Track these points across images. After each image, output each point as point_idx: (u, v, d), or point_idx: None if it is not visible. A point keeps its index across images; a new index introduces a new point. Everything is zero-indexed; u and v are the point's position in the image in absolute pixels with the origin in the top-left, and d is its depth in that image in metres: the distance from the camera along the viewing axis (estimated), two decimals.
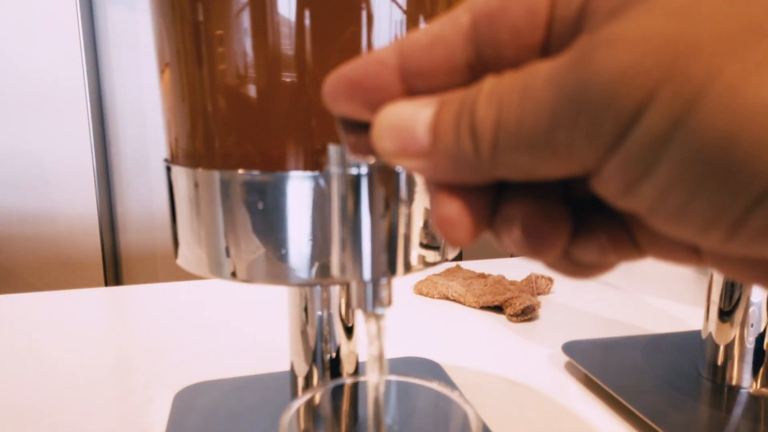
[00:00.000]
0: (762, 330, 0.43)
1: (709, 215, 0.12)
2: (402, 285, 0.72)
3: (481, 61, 0.15)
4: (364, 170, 0.19)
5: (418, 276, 0.73)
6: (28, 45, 1.43)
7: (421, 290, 0.70)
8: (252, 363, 0.51)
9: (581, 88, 0.12)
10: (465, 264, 0.79)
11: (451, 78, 0.15)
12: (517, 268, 0.77)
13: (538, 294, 0.69)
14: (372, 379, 0.22)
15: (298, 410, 0.23)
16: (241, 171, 0.29)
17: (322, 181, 0.27)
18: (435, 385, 0.23)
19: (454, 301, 0.68)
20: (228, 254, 0.31)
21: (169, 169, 0.32)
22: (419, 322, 0.62)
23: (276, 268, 0.30)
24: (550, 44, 0.14)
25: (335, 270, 0.20)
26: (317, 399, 0.24)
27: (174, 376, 0.49)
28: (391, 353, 0.49)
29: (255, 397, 0.42)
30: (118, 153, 1.66)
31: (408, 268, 0.20)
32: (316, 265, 0.30)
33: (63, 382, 0.48)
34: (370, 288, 0.20)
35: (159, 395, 0.45)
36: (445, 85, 0.15)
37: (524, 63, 0.14)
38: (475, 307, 0.65)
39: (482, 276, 0.71)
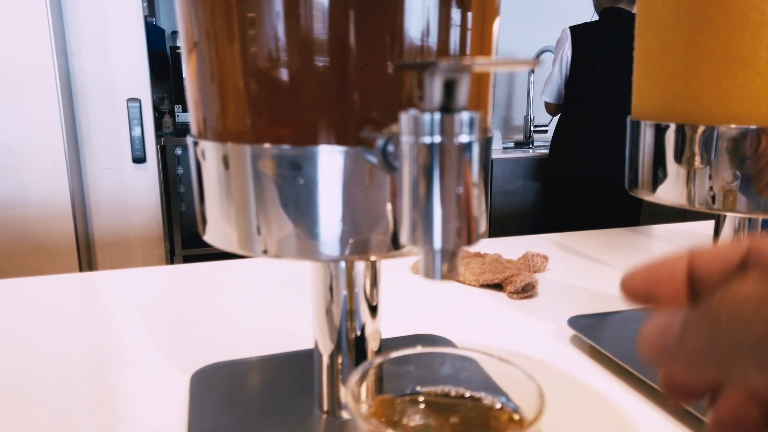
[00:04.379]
0: None
1: None
2: (399, 264, 0.73)
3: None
4: (437, 139, 0.19)
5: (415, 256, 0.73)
6: None
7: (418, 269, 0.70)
8: (253, 346, 0.51)
9: None
10: None
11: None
12: (512, 247, 0.78)
13: (534, 271, 0.70)
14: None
15: (362, 376, 0.23)
16: (269, 145, 0.29)
17: (368, 156, 0.27)
18: (496, 358, 0.24)
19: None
20: (259, 232, 0.31)
21: (196, 144, 0.32)
22: (421, 301, 0.62)
23: (309, 244, 0.30)
24: None
25: (405, 238, 0.20)
26: (381, 367, 0.24)
27: (179, 360, 0.48)
28: (399, 331, 0.49)
29: (274, 376, 0.41)
30: (89, 135, 1.61)
31: (477, 237, 0.20)
32: (351, 240, 0.30)
33: (58, 370, 0.47)
34: (438, 257, 0.20)
35: (169, 378, 0.44)
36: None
37: None
38: (474, 285, 0.66)
39: (479, 255, 0.72)
